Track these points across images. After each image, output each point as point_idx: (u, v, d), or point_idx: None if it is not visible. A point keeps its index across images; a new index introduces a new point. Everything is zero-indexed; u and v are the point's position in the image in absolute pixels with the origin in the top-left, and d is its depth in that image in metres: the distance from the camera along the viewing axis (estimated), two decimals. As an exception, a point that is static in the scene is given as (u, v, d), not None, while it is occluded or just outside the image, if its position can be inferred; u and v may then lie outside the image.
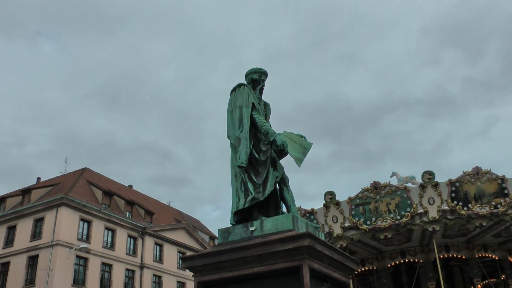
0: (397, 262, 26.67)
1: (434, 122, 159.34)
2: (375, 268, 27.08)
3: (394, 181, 26.19)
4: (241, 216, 8.83)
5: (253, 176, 8.80)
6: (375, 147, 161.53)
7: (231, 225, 8.82)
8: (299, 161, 8.81)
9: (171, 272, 59.49)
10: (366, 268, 26.94)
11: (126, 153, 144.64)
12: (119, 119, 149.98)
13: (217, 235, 9.06)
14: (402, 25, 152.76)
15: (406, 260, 26.41)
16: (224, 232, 8.73)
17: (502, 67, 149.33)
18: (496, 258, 27.19)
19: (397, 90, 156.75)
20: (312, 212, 24.46)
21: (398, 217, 22.92)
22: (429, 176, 22.96)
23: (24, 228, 50.01)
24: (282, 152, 9.11)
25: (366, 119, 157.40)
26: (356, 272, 27.64)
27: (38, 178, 63.25)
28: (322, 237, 8.76)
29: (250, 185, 8.72)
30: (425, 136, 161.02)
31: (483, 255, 26.67)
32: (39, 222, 49.73)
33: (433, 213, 22.67)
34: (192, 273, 8.44)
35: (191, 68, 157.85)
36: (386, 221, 23.06)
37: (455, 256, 25.43)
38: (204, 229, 75.16)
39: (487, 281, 27.53)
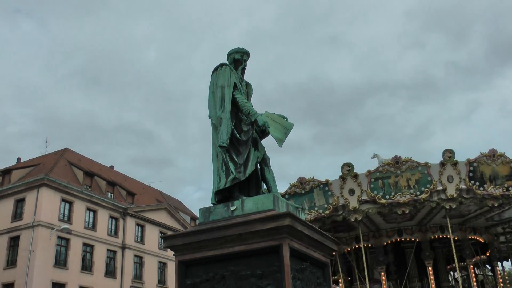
0: (393, 240, 26.98)
1: (416, 106, 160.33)
2: (370, 245, 27.26)
3: (375, 163, 26.33)
4: (222, 196, 8.85)
5: (234, 156, 8.82)
6: (357, 130, 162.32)
7: (212, 205, 8.84)
8: (280, 141, 8.83)
9: (152, 253, 59.60)
10: (362, 245, 27.12)
11: (107, 133, 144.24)
12: (100, 99, 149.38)
13: (198, 216, 9.08)
14: (387, 8, 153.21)
15: (403, 239, 26.84)
16: (205, 211, 8.75)
17: (486, 52, 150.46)
18: (482, 241, 27.72)
19: (380, 73, 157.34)
20: (326, 184, 24.38)
21: (418, 193, 23.10)
22: (449, 154, 23.16)
23: (5, 209, 49.76)
24: (263, 133, 9.15)
25: (348, 102, 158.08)
26: (349, 249, 27.93)
27: (19, 159, 62.75)
28: (302, 217, 8.81)
29: (231, 165, 8.74)
30: (407, 120, 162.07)
31: (472, 237, 27.16)
32: (20, 203, 49.54)
33: (451, 191, 22.92)
34: (173, 252, 8.46)
35: (173, 48, 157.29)
36: (405, 196, 23.20)
37: (448, 237, 25.80)
38: (185, 210, 75.21)
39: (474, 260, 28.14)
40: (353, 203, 23.79)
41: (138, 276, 57.49)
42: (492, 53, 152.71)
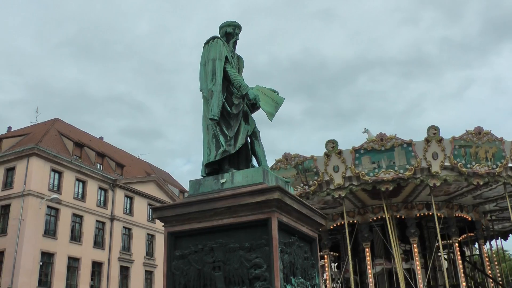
0: (379, 217, 27.07)
1: (409, 82, 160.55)
2: (355, 221, 27.40)
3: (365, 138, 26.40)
4: (212, 169, 8.89)
5: (224, 129, 8.84)
6: (348, 105, 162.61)
7: (202, 177, 8.88)
8: (271, 115, 8.86)
9: (141, 225, 59.80)
10: (347, 221, 27.27)
11: (98, 104, 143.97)
12: (92, 69, 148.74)
13: (187, 189, 9.11)
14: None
15: (389, 216, 26.78)
16: (195, 183, 8.78)
17: (480, 28, 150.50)
18: (469, 219, 27.85)
19: (373, 49, 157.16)
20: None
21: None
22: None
23: (-5, 177, 49.79)
24: (254, 106, 9.15)
25: (340, 77, 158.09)
26: (335, 225, 28.09)
27: (9, 128, 62.52)
28: (291, 191, 8.86)
29: (221, 138, 8.77)
30: (399, 96, 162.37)
31: (459, 215, 27.27)
32: (10, 171, 49.59)
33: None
34: (163, 224, 8.51)
35: (165, 20, 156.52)
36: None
37: (432, 214, 25.93)
38: (174, 183, 75.30)
39: (460, 239, 28.31)
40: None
41: (126, 248, 57.71)
42: (487, 30, 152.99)
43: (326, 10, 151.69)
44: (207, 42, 9.44)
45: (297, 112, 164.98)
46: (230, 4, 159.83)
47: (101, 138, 69.05)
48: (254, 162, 9.23)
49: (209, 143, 8.94)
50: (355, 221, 27.44)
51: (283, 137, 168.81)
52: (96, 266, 53.39)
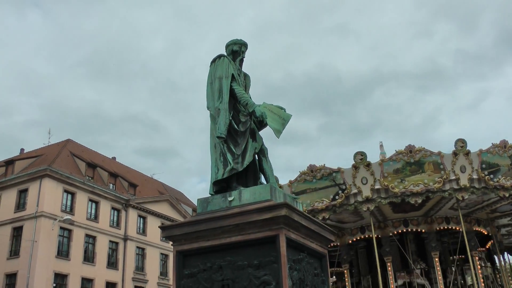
0: (400, 231, 26.89)
1: (424, 95, 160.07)
2: (376, 236, 27.20)
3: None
4: (220, 187, 8.91)
5: (232, 147, 8.87)
6: (364, 120, 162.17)
7: (210, 195, 8.89)
8: (278, 132, 8.85)
9: (154, 244, 59.75)
10: (367, 236, 27.04)
11: (113, 123, 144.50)
12: (107, 89, 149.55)
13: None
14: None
15: (409, 230, 26.74)
16: (203, 202, 8.80)
17: (495, 40, 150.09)
18: (486, 233, 27.72)
19: (388, 62, 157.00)
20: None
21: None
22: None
23: (8, 199, 50.10)
24: (261, 123, 9.19)
25: (356, 92, 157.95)
26: (355, 239, 27.93)
27: (22, 149, 63.00)
28: (300, 207, 8.84)
29: (229, 156, 8.79)
30: (415, 109, 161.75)
31: (476, 229, 27.14)
32: (23, 193, 49.76)
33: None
34: (171, 242, 8.52)
35: (180, 38, 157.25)
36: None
37: (453, 228, 25.71)
38: (187, 202, 75.33)
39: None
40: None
41: (140, 268, 57.67)
42: (501, 41, 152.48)
43: (341, 25, 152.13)
44: (214, 60, 9.50)
45: (313, 128, 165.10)
46: (245, 21, 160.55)
47: (114, 158, 69.30)
48: (263, 179, 9.23)
49: (216, 161, 8.97)
50: (376, 235, 27.25)
51: (299, 153, 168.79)
52: (110, 287, 53.31)
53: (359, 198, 23.72)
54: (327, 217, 23.75)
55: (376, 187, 23.66)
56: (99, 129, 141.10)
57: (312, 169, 24.48)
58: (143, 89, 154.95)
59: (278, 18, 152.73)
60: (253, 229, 7.78)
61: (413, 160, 23.40)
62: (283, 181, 24.89)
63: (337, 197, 23.90)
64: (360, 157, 23.88)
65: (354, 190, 23.71)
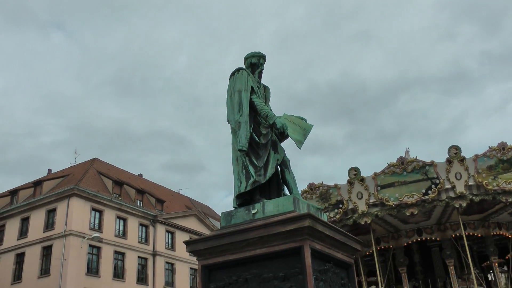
0: (414, 241, 26.51)
1: (450, 99, 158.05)
2: (391, 246, 26.93)
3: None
4: (243, 199, 8.91)
5: (254, 160, 8.88)
6: (390, 126, 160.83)
7: (233, 209, 8.90)
8: (299, 143, 8.83)
9: (183, 259, 59.74)
10: (382, 247, 26.76)
11: (139, 140, 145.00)
12: (132, 107, 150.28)
13: (221, 220, 9.15)
14: (416, 1, 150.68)
15: (423, 239, 26.32)
16: (226, 215, 8.82)
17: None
18: (510, 236, 27.07)
19: (412, 67, 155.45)
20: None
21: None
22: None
23: (37, 219, 50.68)
24: (282, 135, 9.17)
25: (381, 99, 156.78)
26: (371, 251, 27.67)
27: (49, 170, 63.69)
28: (324, 218, 8.79)
29: (251, 169, 8.80)
30: (441, 114, 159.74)
31: (497, 233, 26.53)
32: (51, 213, 50.32)
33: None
34: (196, 257, 8.52)
35: (203, 53, 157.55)
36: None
37: (471, 234, 25.23)
38: (215, 216, 75.35)
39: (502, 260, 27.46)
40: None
41: (169, 283, 57.78)
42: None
43: (363, 32, 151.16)
44: (233, 74, 9.53)
45: (339, 137, 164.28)
46: (267, 33, 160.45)
47: (140, 175, 69.71)
48: (286, 191, 9.20)
49: (239, 174, 8.98)
50: (390, 246, 26.92)
51: (326, 163, 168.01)
52: (141, 303, 53.51)
53: (452, 194, 22.83)
54: (415, 213, 23.26)
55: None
56: (125, 146, 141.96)
57: (402, 161, 23.96)
58: (168, 104, 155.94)
59: (299, 29, 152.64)
60: (277, 241, 7.75)
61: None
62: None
63: (429, 191, 23.41)
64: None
65: (448, 185, 23.23)
